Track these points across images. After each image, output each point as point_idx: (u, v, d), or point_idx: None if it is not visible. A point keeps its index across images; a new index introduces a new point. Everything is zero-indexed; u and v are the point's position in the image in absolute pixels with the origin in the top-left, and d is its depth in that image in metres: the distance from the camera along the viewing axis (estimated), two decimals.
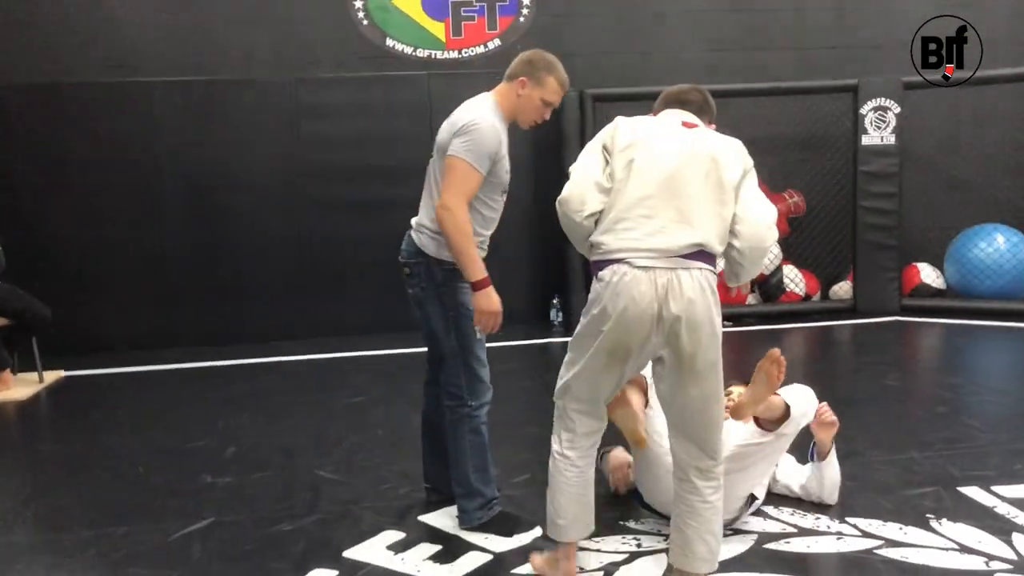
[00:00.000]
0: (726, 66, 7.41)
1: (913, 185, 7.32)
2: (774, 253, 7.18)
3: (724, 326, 2.59)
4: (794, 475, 3.34)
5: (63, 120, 6.49)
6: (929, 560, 2.76)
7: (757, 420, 3.02)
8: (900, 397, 4.82)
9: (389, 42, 7.05)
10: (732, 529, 3.03)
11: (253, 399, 5.13)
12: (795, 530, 3.03)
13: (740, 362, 4.33)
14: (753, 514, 3.14)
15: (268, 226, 6.73)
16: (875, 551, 2.85)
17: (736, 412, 2.88)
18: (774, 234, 2.59)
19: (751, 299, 7.34)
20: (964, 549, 2.84)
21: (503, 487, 3.33)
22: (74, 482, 3.86)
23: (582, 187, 2.58)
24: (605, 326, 2.45)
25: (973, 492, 3.31)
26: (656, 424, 2.96)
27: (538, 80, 3.07)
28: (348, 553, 2.98)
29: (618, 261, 2.45)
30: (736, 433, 3.01)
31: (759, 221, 2.53)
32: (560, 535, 2.70)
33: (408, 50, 7.09)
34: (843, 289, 7.47)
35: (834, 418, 3.18)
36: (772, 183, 7.30)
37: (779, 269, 7.27)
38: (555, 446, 2.68)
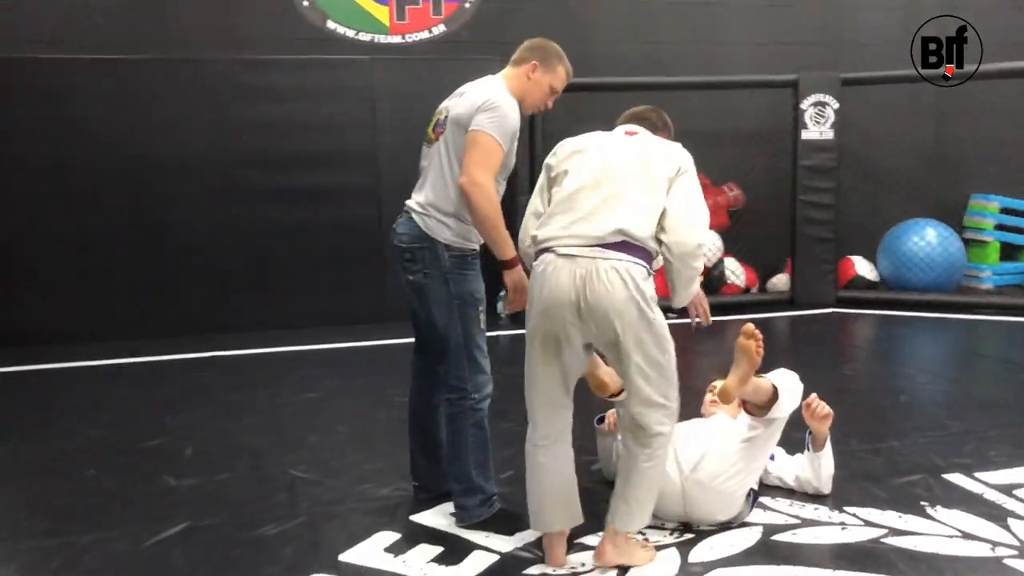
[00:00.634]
0: (667, 59, 7.44)
1: (848, 180, 7.49)
2: (713, 249, 7.23)
3: (668, 318, 2.67)
4: (786, 466, 3.33)
5: None
6: (938, 548, 2.78)
7: (746, 407, 2.99)
8: (860, 387, 4.90)
9: (331, 24, 6.81)
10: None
11: (201, 396, 4.85)
12: (798, 521, 3.01)
13: (688, 351, 4.31)
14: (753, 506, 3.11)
15: (205, 214, 6.38)
16: (882, 540, 2.85)
17: (724, 395, 2.85)
18: (701, 233, 2.64)
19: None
20: (967, 536, 2.86)
21: None
22: (19, 488, 3.56)
23: (526, 224, 2.82)
24: (534, 315, 2.61)
25: (958, 479, 3.36)
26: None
27: (550, 66, 3.05)
28: (344, 557, 2.82)
29: (546, 250, 2.58)
30: (729, 433, 2.98)
31: (686, 218, 2.59)
32: (538, 526, 2.73)
33: (350, 33, 6.86)
34: (781, 281, 7.60)
35: (828, 410, 3.18)
36: (714, 177, 7.37)
37: (721, 261, 7.33)
38: (527, 439, 2.73)
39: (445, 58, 6.85)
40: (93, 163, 6.21)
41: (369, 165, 6.55)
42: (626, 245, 2.51)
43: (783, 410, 2.97)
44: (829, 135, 7.13)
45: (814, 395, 3.22)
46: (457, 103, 2.97)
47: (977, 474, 3.40)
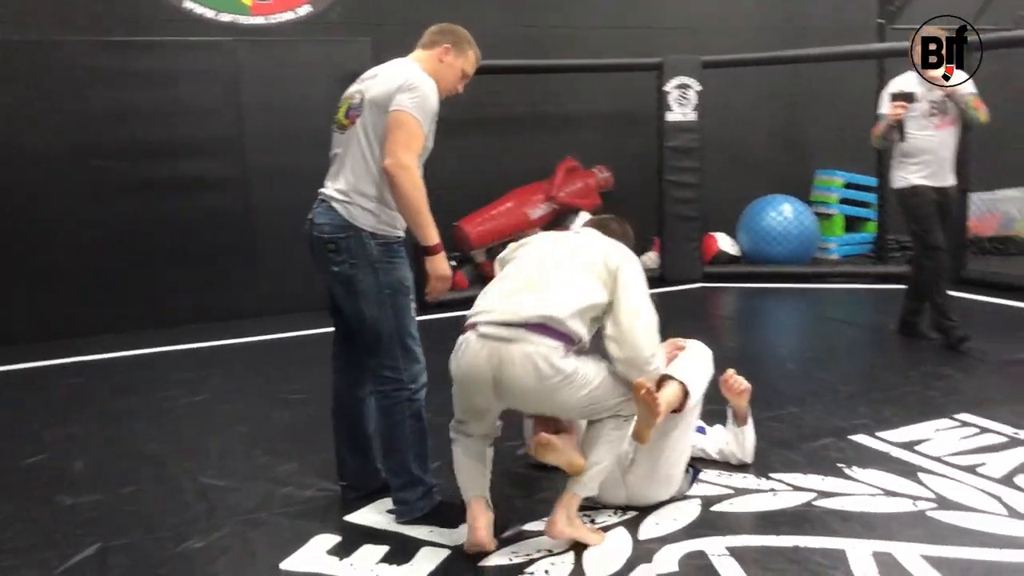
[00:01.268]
0: (545, 43, 7.47)
1: (709, 159, 7.76)
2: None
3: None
4: (707, 439, 3.40)
5: None
6: (866, 507, 2.92)
7: None
8: (745, 356, 5.06)
9: (187, 4, 6.41)
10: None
11: (77, 404, 4.48)
12: (732, 491, 3.10)
13: None
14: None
15: (63, 208, 5.87)
16: (813, 503, 2.97)
17: (639, 437, 2.73)
18: (651, 343, 2.66)
19: None
20: (889, 493, 3.03)
21: None
22: None
23: None
24: (455, 383, 2.67)
25: (863, 439, 3.55)
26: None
27: (461, 50, 3.01)
28: (286, 565, 2.67)
29: (470, 327, 2.62)
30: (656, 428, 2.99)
31: (633, 328, 2.62)
32: (464, 492, 2.75)
33: (209, 14, 6.48)
34: (650, 259, 7.81)
35: (746, 384, 3.28)
36: (585, 159, 7.47)
37: None
38: (451, 427, 2.80)
39: (313, 40, 6.60)
40: None
41: (235, 153, 6.23)
42: (545, 328, 2.53)
43: (695, 398, 2.98)
44: (692, 116, 7.37)
45: (731, 370, 3.31)
46: (371, 85, 2.85)
47: (879, 433, 3.60)
